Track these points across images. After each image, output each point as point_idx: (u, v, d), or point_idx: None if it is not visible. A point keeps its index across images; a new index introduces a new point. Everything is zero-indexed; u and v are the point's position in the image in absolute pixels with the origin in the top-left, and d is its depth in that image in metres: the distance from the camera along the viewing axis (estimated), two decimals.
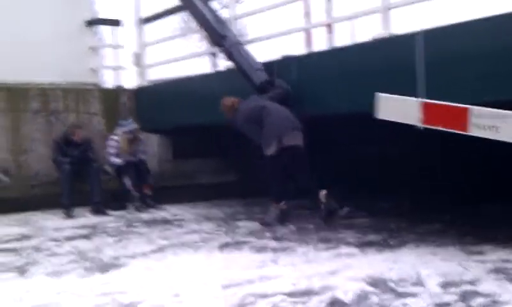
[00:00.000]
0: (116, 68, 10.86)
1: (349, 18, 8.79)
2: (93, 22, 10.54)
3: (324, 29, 10.61)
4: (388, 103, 5.59)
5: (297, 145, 6.94)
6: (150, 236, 6.63)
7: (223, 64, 9.29)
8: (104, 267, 5.12)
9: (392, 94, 5.60)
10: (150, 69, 10.88)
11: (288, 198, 7.17)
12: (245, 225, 7.14)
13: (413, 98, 5.38)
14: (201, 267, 4.93)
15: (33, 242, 6.48)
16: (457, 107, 5.07)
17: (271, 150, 6.88)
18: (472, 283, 4.12)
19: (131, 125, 9.16)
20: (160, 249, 5.82)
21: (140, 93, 10.29)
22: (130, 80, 11.19)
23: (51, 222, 7.86)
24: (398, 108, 5.53)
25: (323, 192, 6.67)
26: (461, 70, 5.43)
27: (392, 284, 4.15)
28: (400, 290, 4.03)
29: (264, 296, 3.98)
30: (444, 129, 5.20)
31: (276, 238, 6.17)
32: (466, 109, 4.96)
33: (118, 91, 10.33)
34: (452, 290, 3.96)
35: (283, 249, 5.57)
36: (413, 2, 6.21)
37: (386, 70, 6.06)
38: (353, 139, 9.32)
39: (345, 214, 6.77)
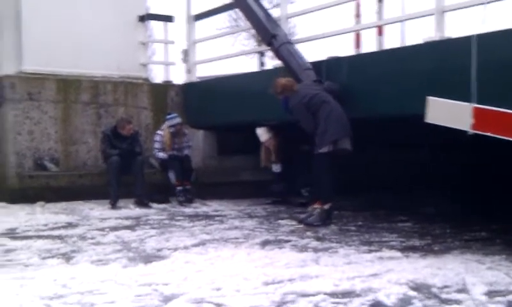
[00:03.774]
0: (166, 64, 10.98)
1: (401, 20, 8.70)
2: (146, 17, 10.66)
3: (374, 31, 10.54)
4: (439, 107, 5.49)
5: (348, 149, 6.91)
6: (192, 230, 6.68)
7: (270, 63, 9.29)
8: (147, 258, 5.18)
9: (443, 98, 5.50)
10: (198, 65, 10.96)
11: (334, 199, 7.13)
12: (287, 223, 7.14)
13: (466, 103, 5.26)
14: (242, 263, 4.93)
15: (79, 231, 6.61)
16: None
17: (326, 149, 6.83)
18: None
19: (174, 119, 9.24)
20: (202, 243, 5.85)
21: (187, 89, 10.38)
22: (179, 76, 11.31)
23: (97, 211, 8.00)
24: (448, 112, 5.42)
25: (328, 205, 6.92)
26: None
27: (436, 290, 4.08)
28: (444, 296, 3.96)
29: (305, 295, 3.96)
30: (494, 136, 5.08)
31: (317, 238, 6.13)
32: None
33: (167, 86, 10.44)
34: (498, 299, 3.86)
35: (325, 249, 5.54)
36: (467, 6, 6.08)
37: (438, 74, 5.94)
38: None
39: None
